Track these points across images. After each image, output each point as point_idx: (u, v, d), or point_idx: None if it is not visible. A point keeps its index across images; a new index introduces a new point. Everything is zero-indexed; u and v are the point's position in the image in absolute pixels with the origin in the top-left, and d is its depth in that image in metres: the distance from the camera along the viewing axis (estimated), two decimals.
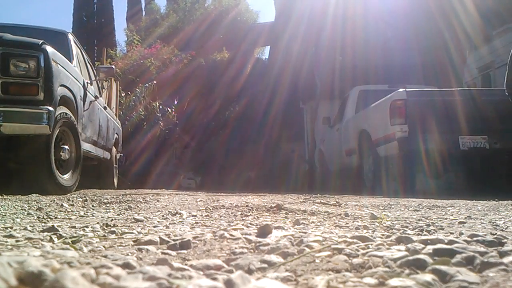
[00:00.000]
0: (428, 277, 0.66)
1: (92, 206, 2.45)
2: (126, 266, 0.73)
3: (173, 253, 0.97)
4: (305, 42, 11.66)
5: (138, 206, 2.43)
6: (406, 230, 1.38)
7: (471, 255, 0.80)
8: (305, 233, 1.19)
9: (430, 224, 1.61)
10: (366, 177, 6.32)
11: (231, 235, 1.13)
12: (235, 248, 0.99)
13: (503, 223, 1.70)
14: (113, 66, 6.02)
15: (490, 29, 10.61)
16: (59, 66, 3.54)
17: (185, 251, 0.99)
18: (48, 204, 2.36)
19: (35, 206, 2.22)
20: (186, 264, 0.80)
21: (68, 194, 3.49)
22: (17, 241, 1.10)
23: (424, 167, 5.55)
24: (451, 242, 0.94)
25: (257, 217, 1.83)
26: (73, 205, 2.44)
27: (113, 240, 1.14)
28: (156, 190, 5.56)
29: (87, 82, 4.71)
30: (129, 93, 10.47)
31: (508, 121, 5.16)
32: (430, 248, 0.85)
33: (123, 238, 1.18)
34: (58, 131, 3.56)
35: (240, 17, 16.25)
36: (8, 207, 2.13)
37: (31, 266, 0.57)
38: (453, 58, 10.93)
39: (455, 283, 0.65)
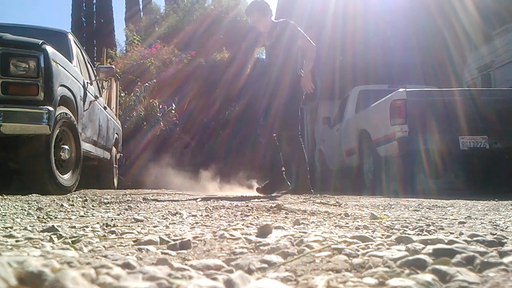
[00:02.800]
0: (428, 277, 0.66)
1: (92, 206, 2.45)
2: (126, 266, 0.73)
3: (173, 253, 0.97)
4: None
5: (138, 206, 2.43)
6: (406, 230, 1.38)
7: (471, 255, 0.80)
8: (305, 233, 1.19)
9: (430, 224, 1.61)
10: (366, 177, 6.32)
11: (231, 235, 1.13)
12: (235, 248, 0.99)
13: (503, 223, 1.70)
14: (113, 66, 6.02)
15: (490, 29, 10.61)
16: (59, 66, 3.54)
17: (185, 251, 0.99)
18: (48, 204, 2.36)
19: (35, 206, 2.22)
20: (186, 264, 0.80)
21: (68, 194, 3.49)
22: (17, 241, 1.10)
23: (424, 167, 5.55)
24: (451, 242, 0.94)
25: (257, 217, 1.83)
26: (73, 205, 2.44)
27: (113, 240, 1.14)
28: (156, 190, 5.56)
29: (87, 82, 4.72)
30: (126, 92, 10.47)
31: (508, 121, 5.17)
32: (430, 248, 0.85)
33: (123, 238, 1.18)
34: (58, 131, 3.56)
35: (240, 17, 16.24)
36: (8, 207, 2.13)
37: (31, 266, 0.57)
38: (453, 58, 10.93)
39: (455, 283, 0.65)
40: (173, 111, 11.04)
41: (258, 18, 4.43)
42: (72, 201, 2.69)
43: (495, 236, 1.11)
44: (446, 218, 1.90)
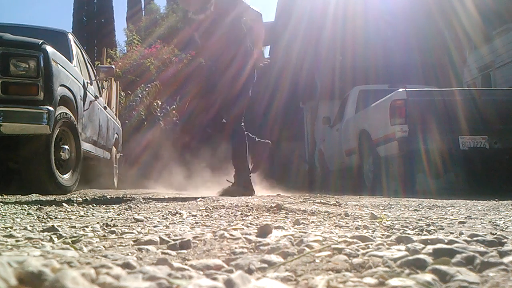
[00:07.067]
0: (428, 277, 0.66)
1: (92, 206, 2.45)
2: (126, 266, 0.73)
3: (173, 253, 0.97)
4: (305, 42, 11.66)
5: (138, 206, 2.43)
6: (406, 230, 1.38)
7: (471, 255, 0.80)
8: (305, 233, 1.19)
9: (430, 224, 1.61)
10: (366, 177, 6.32)
11: (231, 235, 1.12)
12: (235, 248, 0.99)
13: (503, 223, 1.70)
14: (113, 66, 6.02)
15: (490, 29, 10.62)
16: (59, 66, 3.54)
17: (185, 251, 0.99)
18: (48, 204, 2.36)
19: (35, 206, 2.22)
20: (186, 264, 0.80)
21: (68, 194, 3.49)
22: (17, 241, 1.10)
23: (424, 167, 5.55)
24: (451, 242, 0.94)
25: (257, 217, 1.83)
26: (73, 205, 2.44)
27: (113, 240, 1.14)
28: (156, 190, 5.56)
29: (87, 82, 4.72)
30: (129, 92, 10.47)
31: (508, 121, 5.17)
32: (430, 248, 0.85)
33: (123, 238, 1.18)
34: (58, 131, 3.56)
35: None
36: (8, 207, 2.13)
37: (31, 266, 0.57)
38: (453, 58, 10.94)
39: (455, 283, 0.65)
40: (174, 111, 11.05)
41: None
42: (72, 201, 2.69)
43: (495, 236, 1.11)
44: (446, 218, 1.90)
